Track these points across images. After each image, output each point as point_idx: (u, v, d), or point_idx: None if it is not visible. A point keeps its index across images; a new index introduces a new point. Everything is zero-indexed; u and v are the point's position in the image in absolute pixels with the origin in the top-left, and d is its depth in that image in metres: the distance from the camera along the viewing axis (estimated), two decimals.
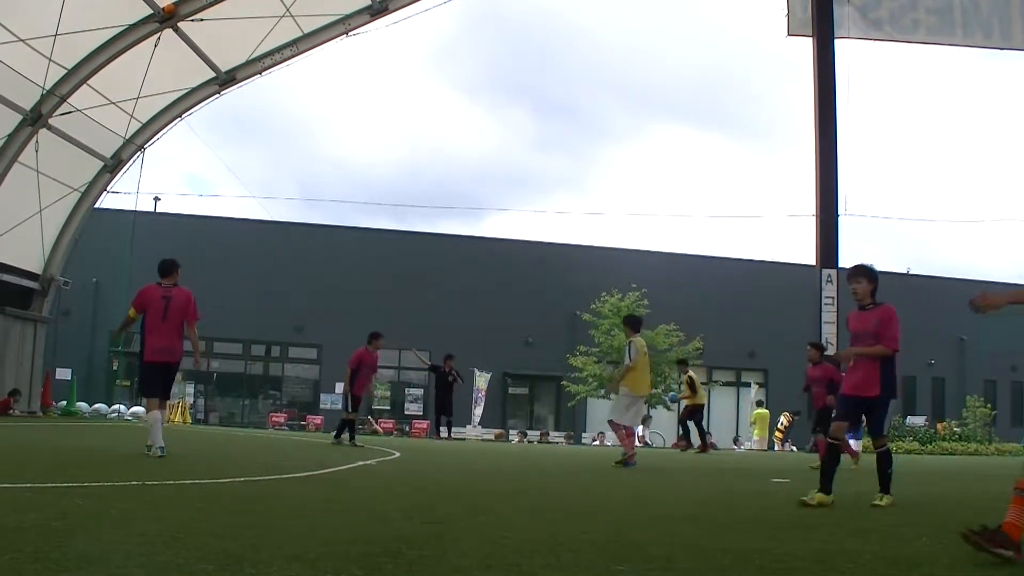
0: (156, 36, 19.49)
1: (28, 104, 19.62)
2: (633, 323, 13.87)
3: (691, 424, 20.43)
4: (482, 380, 34.54)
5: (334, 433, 16.59)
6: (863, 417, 7.47)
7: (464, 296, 37.19)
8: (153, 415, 9.96)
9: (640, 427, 26.58)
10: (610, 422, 13.89)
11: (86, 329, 31.21)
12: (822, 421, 13.35)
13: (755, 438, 29.24)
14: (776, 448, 27.99)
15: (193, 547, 3.97)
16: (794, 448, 27.70)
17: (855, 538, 5.25)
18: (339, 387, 31.38)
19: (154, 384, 10.05)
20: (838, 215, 25.40)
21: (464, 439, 27.84)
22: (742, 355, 38.61)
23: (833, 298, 24.68)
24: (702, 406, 20.71)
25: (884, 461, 7.39)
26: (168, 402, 10.57)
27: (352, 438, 15.90)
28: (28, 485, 6.25)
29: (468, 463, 13.14)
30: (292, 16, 20.69)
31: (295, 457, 12.33)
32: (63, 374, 29.28)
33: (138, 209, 25.65)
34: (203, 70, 21.88)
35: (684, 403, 20.50)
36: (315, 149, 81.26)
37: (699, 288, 37.40)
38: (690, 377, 20.32)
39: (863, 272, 7.40)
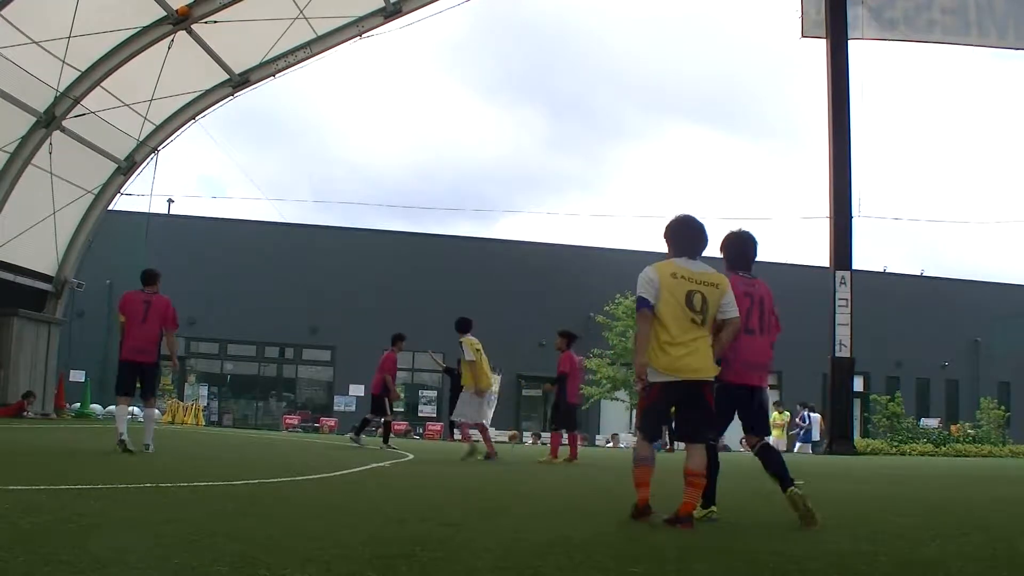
0: (170, 38, 19.59)
1: (42, 106, 19.72)
2: (460, 325, 14.34)
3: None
4: (494, 383, 34.45)
5: (382, 438, 16.67)
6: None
7: (477, 298, 37.03)
8: (121, 409, 10.40)
9: None
10: (453, 422, 14.31)
11: (100, 331, 31.25)
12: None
13: (774, 439, 29.11)
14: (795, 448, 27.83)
15: (207, 549, 3.97)
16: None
17: (870, 541, 5.22)
18: (354, 389, 31.47)
19: (124, 381, 10.49)
20: (852, 216, 25.37)
21: (477, 441, 27.76)
22: None
23: (847, 300, 24.62)
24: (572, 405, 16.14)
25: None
26: (164, 402, 10.84)
27: (386, 439, 16.48)
28: (42, 487, 6.27)
29: (481, 465, 13.13)
30: (306, 18, 20.75)
31: (309, 459, 12.35)
32: (77, 376, 29.43)
33: (152, 211, 25.79)
34: (217, 72, 21.97)
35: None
36: (328, 151, 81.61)
37: None
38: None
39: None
